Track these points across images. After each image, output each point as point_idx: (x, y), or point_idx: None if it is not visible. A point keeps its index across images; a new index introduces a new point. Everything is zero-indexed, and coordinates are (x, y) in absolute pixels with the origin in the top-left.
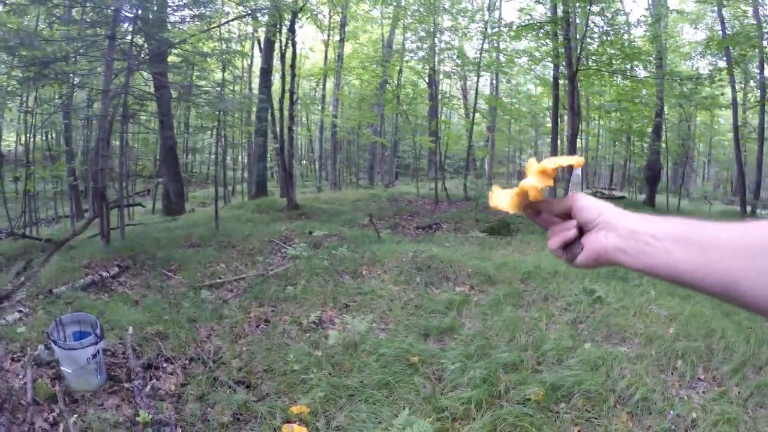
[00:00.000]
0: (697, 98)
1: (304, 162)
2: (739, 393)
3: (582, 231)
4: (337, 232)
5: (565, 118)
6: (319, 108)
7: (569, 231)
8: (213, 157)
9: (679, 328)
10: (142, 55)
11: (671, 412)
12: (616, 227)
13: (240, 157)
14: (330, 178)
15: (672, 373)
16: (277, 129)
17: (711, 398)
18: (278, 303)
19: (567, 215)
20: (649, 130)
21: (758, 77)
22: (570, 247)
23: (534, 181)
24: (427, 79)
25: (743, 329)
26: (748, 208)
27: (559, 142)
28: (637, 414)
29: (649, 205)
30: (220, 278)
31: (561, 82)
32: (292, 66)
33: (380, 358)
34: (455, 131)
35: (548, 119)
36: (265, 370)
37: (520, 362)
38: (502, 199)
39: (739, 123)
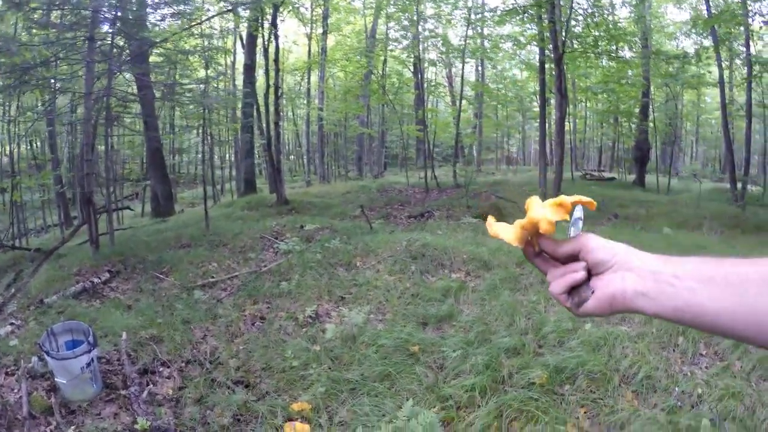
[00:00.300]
0: (684, 77)
1: (291, 157)
2: (741, 367)
3: (589, 273)
4: (329, 225)
5: (552, 101)
6: (305, 102)
7: (577, 273)
8: (200, 156)
9: None
10: (123, 56)
11: (676, 388)
12: (634, 268)
13: (227, 156)
14: (318, 171)
15: (674, 350)
16: (263, 125)
17: (714, 373)
18: (273, 299)
19: (570, 258)
20: (637, 110)
21: (744, 55)
22: (577, 291)
23: (548, 213)
24: (412, 67)
25: None
26: (738, 185)
27: (546, 126)
28: (642, 392)
29: (639, 185)
30: (213, 277)
31: (547, 65)
32: (276, 60)
33: (380, 349)
34: (442, 119)
35: (535, 104)
36: (264, 368)
37: (521, 346)
38: (504, 230)
39: (726, 101)
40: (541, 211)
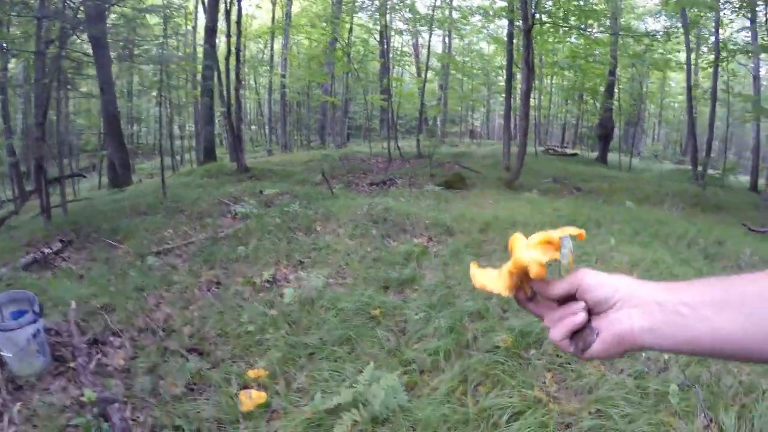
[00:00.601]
0: (650, 58)
1: (253, 127)
2: None
3: (590, 313)
4: (289, 191)
5: (519, 76)
6: (267, 69)
7: (576, 315)
8: (159, 125)
9: (642, 273)
10: (79, 16)
11: (642, 354)
12: (639, 303)
13: (187, 126)
14: (280, 141)
15: None
16: (224, 91)
17: None
18: (230, 264)
19: (567, 298)
20: (602, 89)
21: (713, 39)
22: (579, 334)
23: (536, 254)
24: (378, 36)
25: (703, 274)
26: (699, 167)
27: (512, 100)
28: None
29: (602, 162)
30: (168, 244)
31: (515, 41)
32: (238, 23)
33: (339, 312)
34: (407, 89)
35: (500, 78)
36: (219, 334)
37: (485, 310)
38: (490, 279)
39: (691, 84)
40: (529, 253)
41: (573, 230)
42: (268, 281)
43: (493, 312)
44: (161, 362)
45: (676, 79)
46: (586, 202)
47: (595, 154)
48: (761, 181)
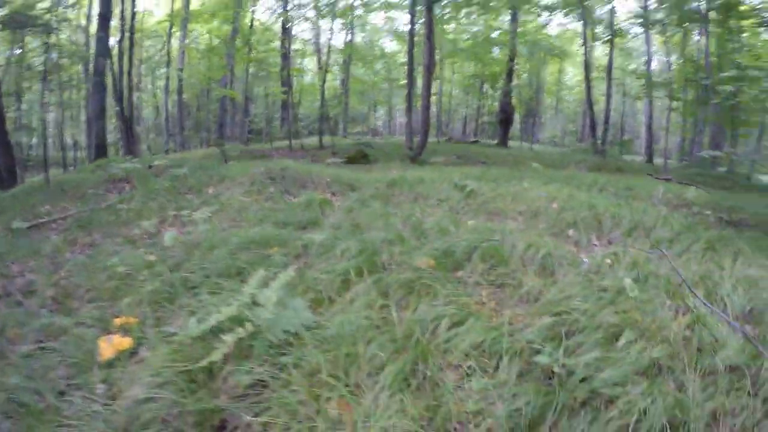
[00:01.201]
0: (549, 43)
1: (151, 135)
2: (638, 249)
3: None
4: (180, 163)
5: (420, 68)
6: (165, 69)
7: None
8: (47, 129)
9: (563, 203)
10: None
11: (585, 260)
12: None
13: (81, 136)
14: (177, 140)
15: (566, 240)
16: (118, 86)
17: (615, 252)
18: (109, 227)
19: None
20: (503, 78)
21: (607, 18)
22: None
23: None
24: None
25: (621, 206)
26: (599, 143)
27: (413, 90)
28: (547, 270)
29: (503, 146)
30: (44, 218)
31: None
32: (133, 2)
33: (230, 250)
34: (309, 83)
35: (402, 76)
36: (88, 290)
37: (399, 239)
38: None
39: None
40: None
41: None
42: (149, 233)
43: (408, 241)
44: (12, 325)
45: (572, 73)
46: (492, 170)
47: (495, 141)
48: (658, 161)
